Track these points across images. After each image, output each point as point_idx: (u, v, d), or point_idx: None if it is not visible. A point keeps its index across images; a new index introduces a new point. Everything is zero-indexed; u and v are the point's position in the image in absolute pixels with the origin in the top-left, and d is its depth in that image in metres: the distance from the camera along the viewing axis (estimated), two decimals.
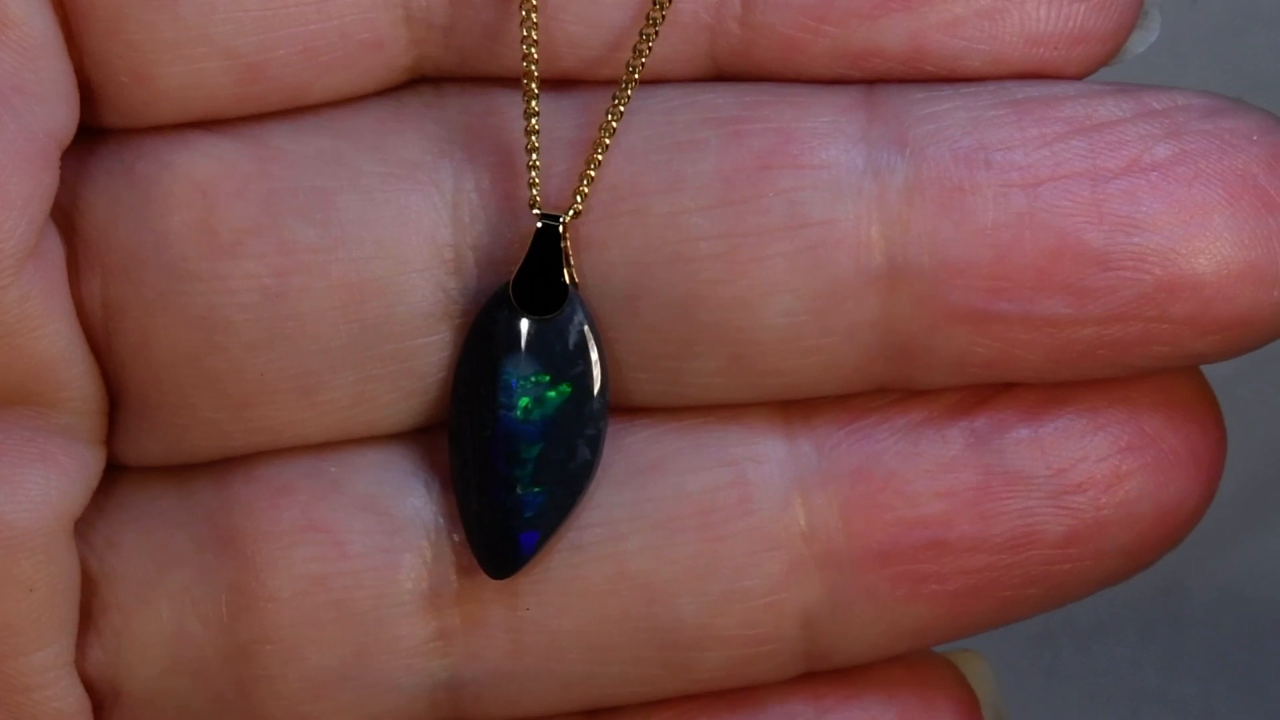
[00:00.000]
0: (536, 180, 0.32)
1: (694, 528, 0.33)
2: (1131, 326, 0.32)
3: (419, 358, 0.33)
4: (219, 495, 0.33)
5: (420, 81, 0.33)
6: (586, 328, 0.33)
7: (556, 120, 0.33)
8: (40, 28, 0.31)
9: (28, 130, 0.30)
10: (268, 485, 0.33)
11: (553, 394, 0.33)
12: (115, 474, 0.34)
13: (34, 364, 0.31)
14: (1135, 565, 0.34)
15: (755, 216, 0.32)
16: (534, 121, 0.32)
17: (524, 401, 0.33)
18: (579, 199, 0.32)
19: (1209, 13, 0.47)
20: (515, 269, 0.33)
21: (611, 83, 0.33)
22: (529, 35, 0.32)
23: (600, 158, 0.32)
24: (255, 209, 0.32)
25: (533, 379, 0.33)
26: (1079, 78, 0.33)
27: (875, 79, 0.33)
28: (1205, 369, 0.36)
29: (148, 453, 0.34)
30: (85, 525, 0.33)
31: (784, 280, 0.32)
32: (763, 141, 0.32)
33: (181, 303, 0.32)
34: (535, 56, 0.32)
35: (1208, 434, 0.34)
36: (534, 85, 0.32)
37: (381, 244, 0.32)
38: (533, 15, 0.32)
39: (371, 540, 0.33)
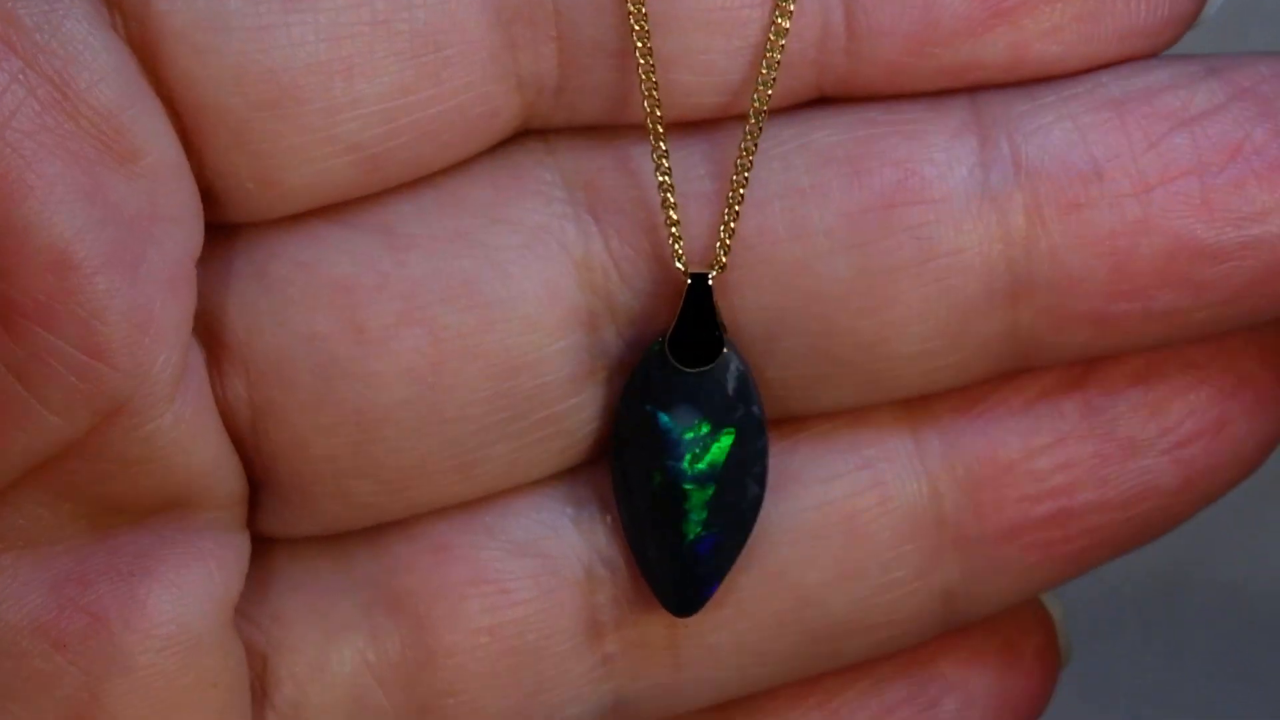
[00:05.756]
0: (679, 235, 0.33)
1: (841, 532, 0.34)
2: (1242, 307, 0.34)
3: (569, 418, 0.34)
4: (378, 559, 0.34)
5: (525, 134, 0.33)
6: (744, 372, 0.33)
7: (680, 173, 0.33)
8: (166, 151, 0.30)
9: (168, 257, 0.30)
10: (428, 543, 0.34)
11: (717, 442, 0.33)
12: (265, 547, 0.34)
13: (185, 478, 0.31)
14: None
15: (885, 256, 0.33)
16: (668, 179, 0.33)
17: (691, 452, 0.33)
18: (722, 253, 0.33)
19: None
20: (669, 327, 0.33)
21: (716, 125, 0.33)
22: (652, 95, 0.32)
23: (738, 209, 0.33)
24: (400, 302, 0.32)
25: (698, 429, 0.33)
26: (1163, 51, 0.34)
27: (976, 88, 0.33)
28: None
29: (297, 528, 0.33)
30: (245, 602, 0.33)
31: (918, 312, 0.33)
32: (883, 179, 0.33)
33: (336, 400, 0.32)
34: (660, 116, 0.32)
35: None
36: (663, 144, 0.33)
37: (527, 318, 0.33)
38: (652, 76, 0.32)
39: (535, 583, 0.34)
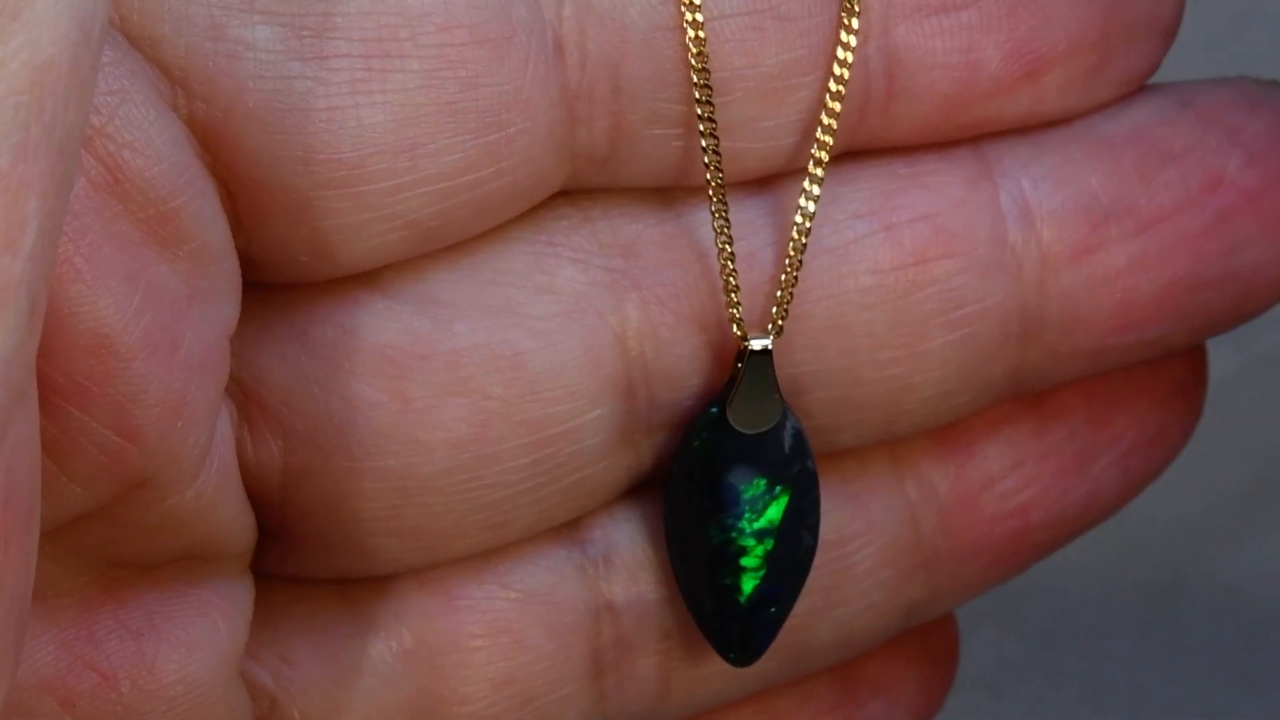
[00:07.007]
0: (738, 301, 0.33)
1: (830, 567, 0.35)
2: (1214, 330, 0.35)
3: (595, 481, 0.34)
4: (390, 604, 0.33)
5: (557, 196, 0.33)
6: (799, 430, 0.34)
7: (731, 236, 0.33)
8: (211, 236, 0.30)
9: (205, 340, 0.30)
10: (440, 592, 0.34)
11: (775, 498, 0.34)
12: (270, 584, 0.33)
13: (201, 541, 0.31)
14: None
15: (915, 309, 0.33)
16: (729, 247, 0.33)
17: (750, 510, 0.34)
18: (780, 318, 0.33)
19: (1209, 13, 0.47)
20: (726, 392, 0.33)
21: (763, 189, 0.33)
22: (715, 166, 0.32)
23: (795, 275, 0.33)
24: (445, 372, 0.32)
25: (756, 487, 0.33)
26: None
27: (982, 136, 0.34)
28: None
29: (308, 573, 0.33)
30: (251, 642, 0.33)
31: (940, 359, 0.34)
32: (914, 234, 0.33)
33: (378, 468, 0.32)
34: (724, 185, 0.32)
35: (1202, 366, 0.37)
36: (725, 216, 0.33)
37: (569, 387, 0.33)
38: (715, 145, 0.32)
39: (545, 632, 0.34)
